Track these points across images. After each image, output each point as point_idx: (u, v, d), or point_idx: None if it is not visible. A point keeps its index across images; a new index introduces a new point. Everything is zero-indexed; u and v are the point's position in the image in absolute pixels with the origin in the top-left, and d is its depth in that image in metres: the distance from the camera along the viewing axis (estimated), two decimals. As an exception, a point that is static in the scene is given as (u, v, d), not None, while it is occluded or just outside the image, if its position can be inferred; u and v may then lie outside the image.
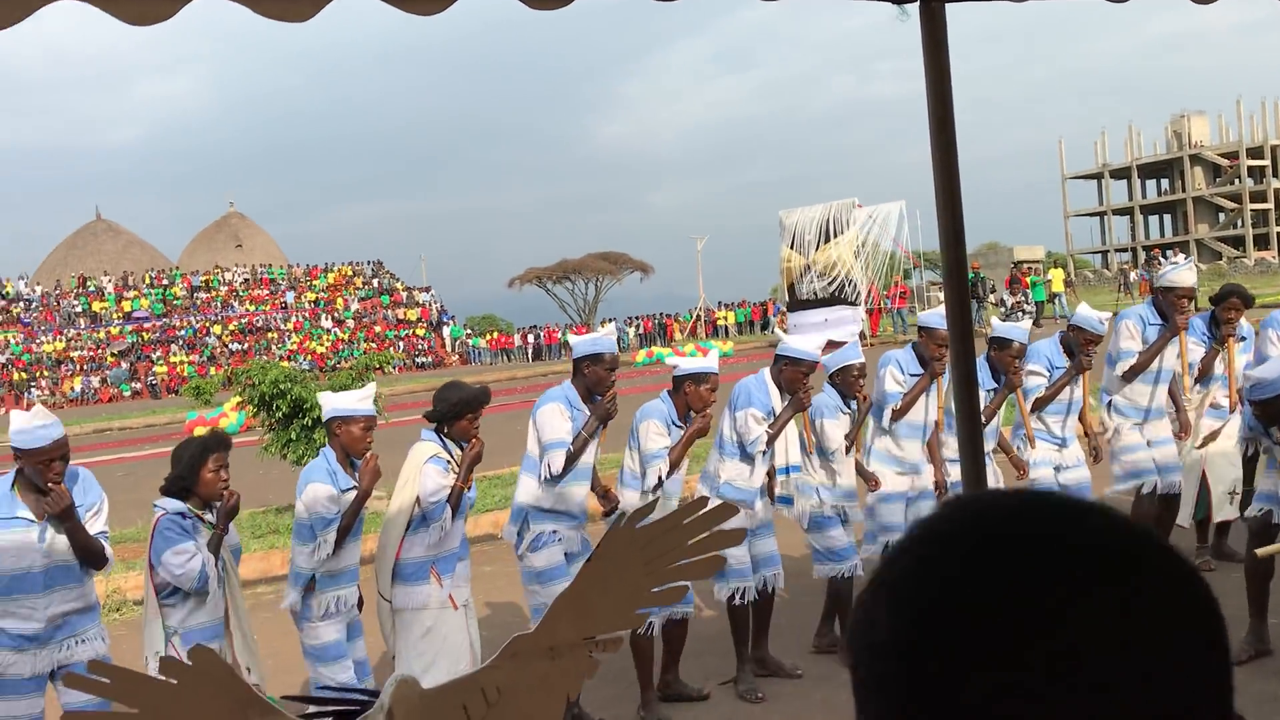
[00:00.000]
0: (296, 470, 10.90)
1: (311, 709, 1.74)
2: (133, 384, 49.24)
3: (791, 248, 32.80)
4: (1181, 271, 6.58)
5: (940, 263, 2.55)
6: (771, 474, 5.71)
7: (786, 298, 34.62)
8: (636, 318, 54.87)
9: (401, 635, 4.96)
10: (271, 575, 8.53)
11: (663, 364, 31.57)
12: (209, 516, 4.55)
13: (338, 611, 4.81)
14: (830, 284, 31.56)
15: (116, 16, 1.79)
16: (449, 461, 5.00)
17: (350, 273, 64.14)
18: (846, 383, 5.93)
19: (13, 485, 4.26)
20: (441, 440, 5.07)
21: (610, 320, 54.40)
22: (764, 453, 5.54)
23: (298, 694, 4.40)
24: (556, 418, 5.15)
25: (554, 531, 5.14)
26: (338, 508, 4.74)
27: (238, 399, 22.85)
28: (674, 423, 5.37)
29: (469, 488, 5.08)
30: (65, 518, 4.20)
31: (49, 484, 4.17)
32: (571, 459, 5.09)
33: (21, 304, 57.32)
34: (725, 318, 51.21)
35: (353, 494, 4.81)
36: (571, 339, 5.50)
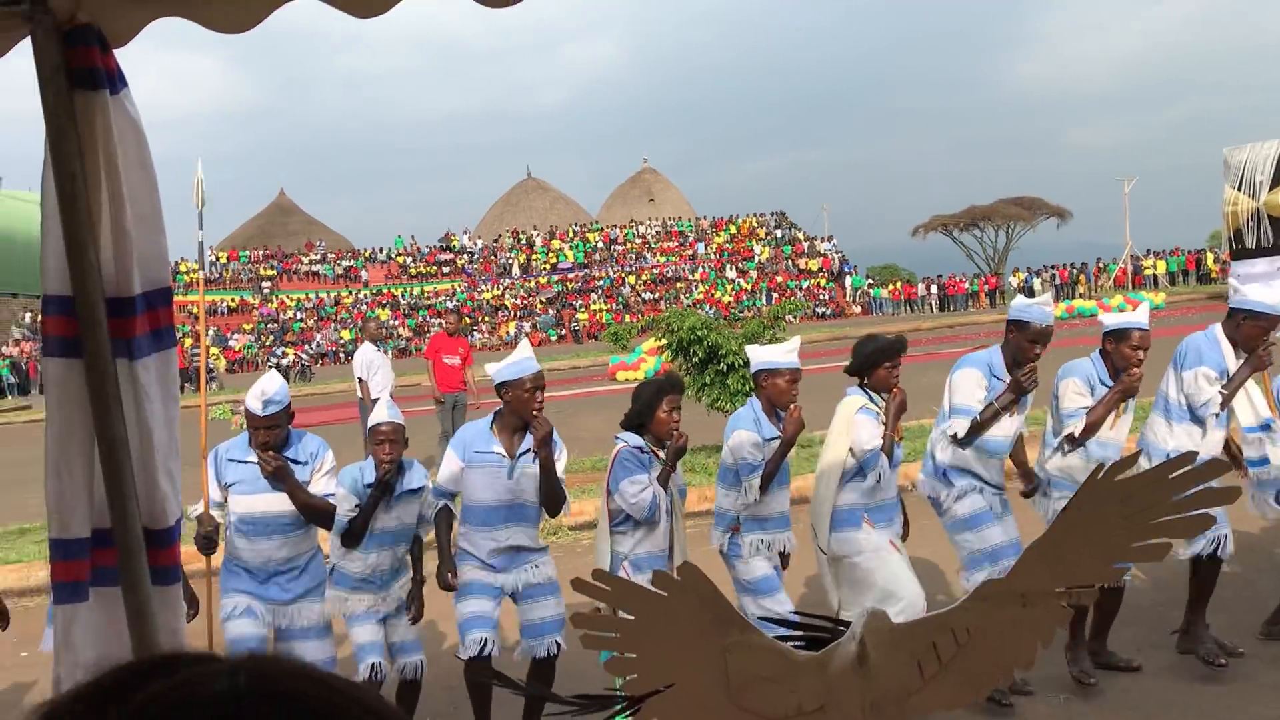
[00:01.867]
0: (712, 413, 11.41)
1: (784, 631, 1.84)
2: (558, 329, 53.48)
3: (1237, 189, 29.40)
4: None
5: None
6: (1231, 438, 5.23)
7: (1230, 245, 31.18)
8: (1050, 267, 51.67)
9: (843, 584, 5.03)
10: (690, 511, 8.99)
11: (1084, 319, 29.64)
12: (662, 453, 4.81)
13: (765, 551, 5.00)
14: (1282, 229, 27.98)
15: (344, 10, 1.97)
16: (878, 412, 4.99)
17: (755, 224, 65.48)
18: None
19: (491, 424, 4.77)
20: (865, 392, 5.06)
21: (1029, 273, 51.66)
22: (1217, 415, 5.08)
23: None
24: (970, 383, 5.02)
25: (978, 488, 5.05)
26: (762, 455, 4.92)
27: (654, 343, 24.22)
28: (1101, 381, 5.03)
29: (899, 438, 5.05)
30: (544, 444, 4.61)
31: (534, 413, 4.62)
32: (978, 428, 4.94)
33: (465, 256, 63.82)
34: (1155, 267, 47.00)
35: (776, 443, 4.95)
36: (1014, 304, 5.18)
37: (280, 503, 4.63)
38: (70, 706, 0.58)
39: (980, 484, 5.08)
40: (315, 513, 4.69)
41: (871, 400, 5.02)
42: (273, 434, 4.64)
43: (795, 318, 48.27)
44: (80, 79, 2.01)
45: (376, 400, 5.73)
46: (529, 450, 4.71)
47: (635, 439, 4.79)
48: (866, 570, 4.90)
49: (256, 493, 4.61)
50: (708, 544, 5.28)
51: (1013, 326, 5.02)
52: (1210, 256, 40.74)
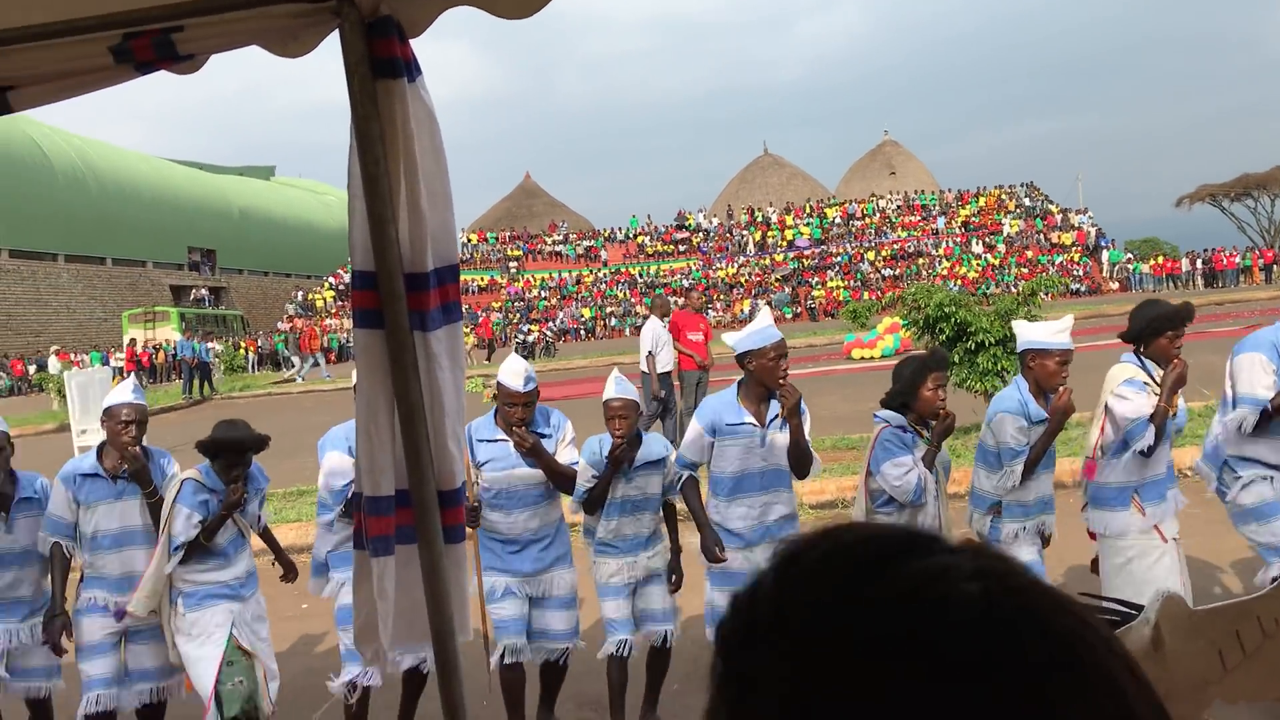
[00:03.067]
0: (958, 392, 11.06)
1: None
2: (794, 307, 53.14)
3: None
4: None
5: None
6: None
7: None
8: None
9: (1103, 563, 4.79)
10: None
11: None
12: (926, 433, 4.70)
13: (1027, 537, 4.80)
14: None
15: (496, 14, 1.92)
16: (1146, 383, 4.67)
17: (1002, 196, 62.82)
18: None
19: (736, 395, 4.80)
20: (1140, 361, 4.75)
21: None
22: None
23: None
24: (1255, 368, 4.63)
25: (1266, 477, 4.68)
26: (1027, 439, 4.69)
27: (891, 321, 23.79)
28: None
29: (1173, 412, 4.71)
30: (794, 414, 4.60)
31: (780, 381, 4.62)
32: (1269, 416, 4.56)
33: (701, 234, 64.37)
34: None
35: (1042, 426, 4.72)
36: None
37: (532, 475, 4.82)
38: (823, 566, 0.60)
39: (1271, 471, 4.70)
40: (564, 480, 4.87)
41: (1145, 370, 4.69)
42: (529, 410, 4.84)
43: (1049, 294, 45.74)
44: (381, 68, 2.16)
45: (664, 374, 5.88)
46: (777, 416, 4.71)
47: (897, 418, 4.69)
48: (1125, 558, 4.65)
49: (510, 468, 4.81)
50: (964, 525, 5.12)
51: None
52: None
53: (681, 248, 63.19)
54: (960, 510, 5.18)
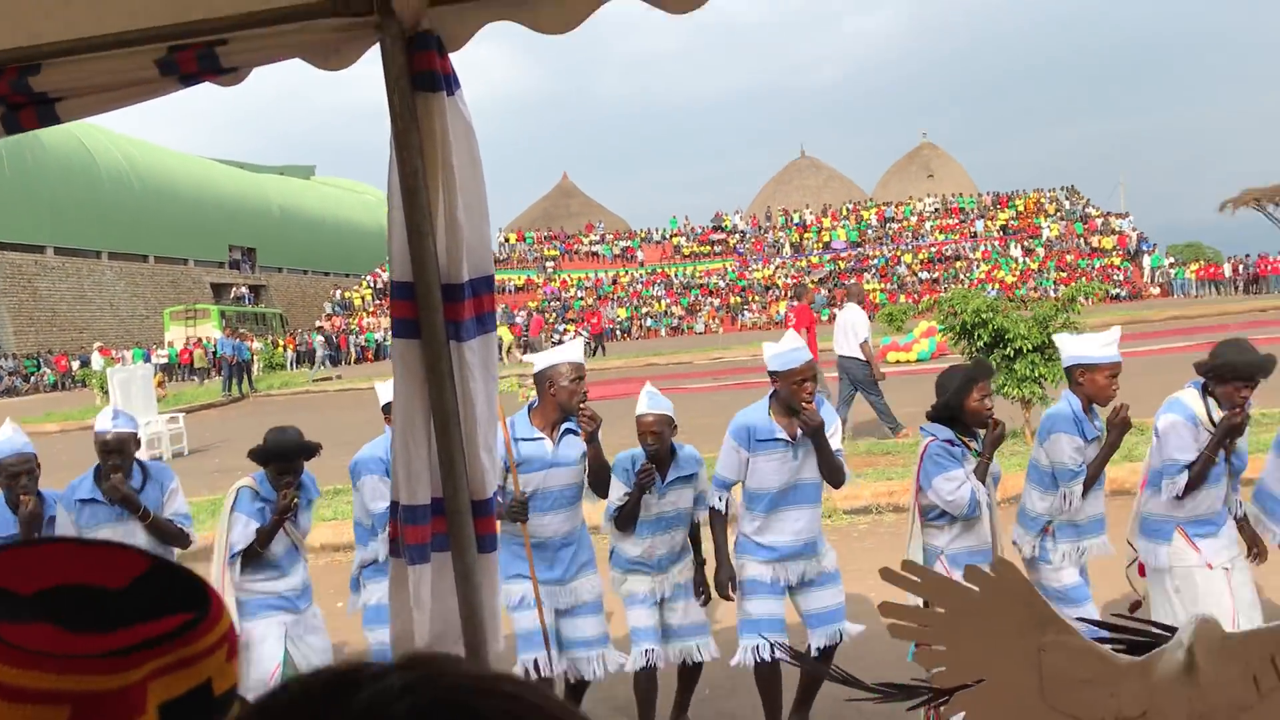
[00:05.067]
0: (995, 398, 10.97)
1: (1105, 634, 1.77)
2: (831, 309, 52.89)
3: None
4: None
5: None
6: None
7: None
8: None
9: (1153, 594, 4.68)
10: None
11: None
12: (974, 444, 4.62)
13: (1078, 560, 4.73)
14: None
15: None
16: (1200, 421, 4.52)
17: (1041, 199, 62.20)
18: None
19: (768, 410, 4.75)
20: (1204, 397, 4.57)
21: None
22: None
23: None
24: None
25: None
26: (1083, 459, 4.62)
27: (928, 324, 23.62)
28: None
29: (1222, 455, 4.56)
30: (818, 435, 4.59)
31: (802, 403, 4.57)
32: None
33: (737, 235, 64.23)
34: None
35: (1097, 444, 4.65)
36: None
37: (568, 476, 4.76)
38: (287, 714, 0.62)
39: None
40: (606, 475, 4.81)
41: (1206, 406, 4.53)
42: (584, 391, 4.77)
43: (1089, 299, 45.40)
44: (421, 82, 2.19)
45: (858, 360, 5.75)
46: None
47: (945, 431, 4.60)
48: (1173, 587, 4.54)
49: (547, 468, 4.72)
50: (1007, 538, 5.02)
51: None
52: None
53: (717, 249, 63.06)
54: (1009, 516, 5.08)
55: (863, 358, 12.37)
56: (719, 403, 12.96)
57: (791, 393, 4.61)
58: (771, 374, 4.71)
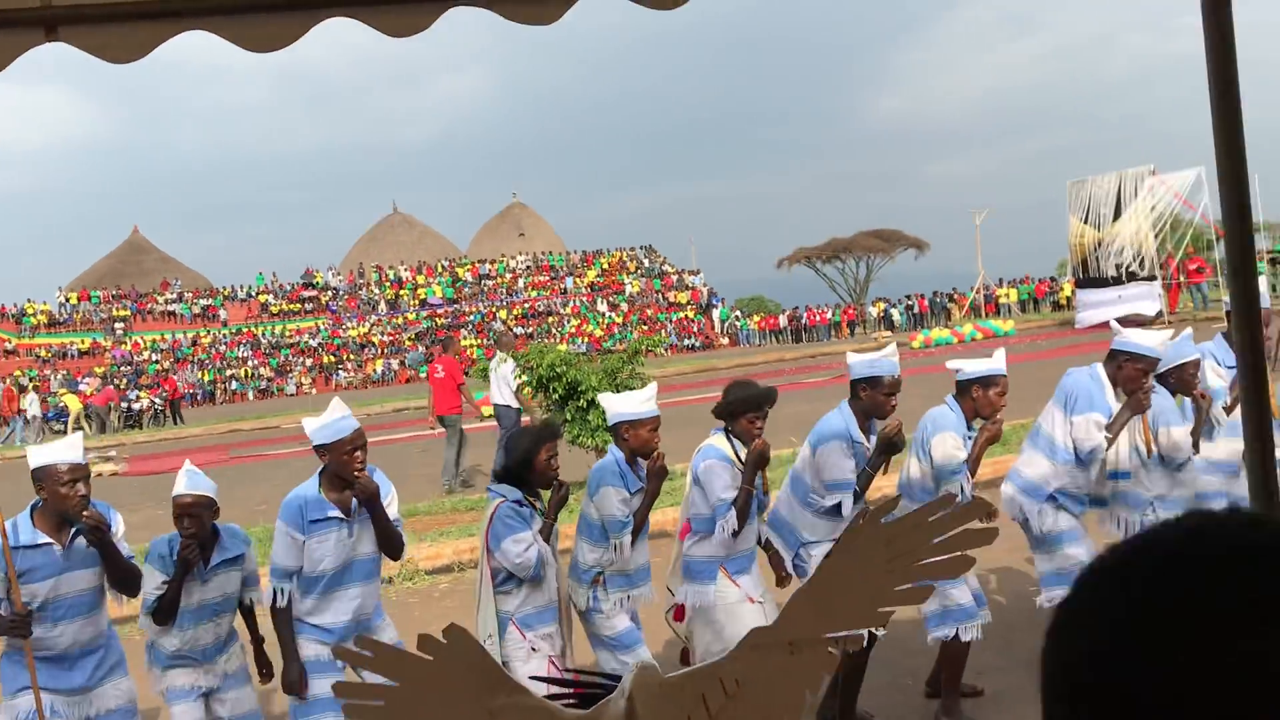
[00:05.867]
0: (573, 450, 11.35)
1: (555, 690, 1.79)
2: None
3: (1085, 221, 30.90)
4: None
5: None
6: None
7: (1075, 274, 32.70)
8: (909, 296, 53.29)
9: (697, 634, 4.89)
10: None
11: (938, 347, 30.56)
12: (539, 504, 4.65)
13: (629, 606, 4.88)
14: (1125, 259, 29.51)
15: (379, 30, 1.90)
16: (734, 460, 4.83)
17: (624, 257, 65.91)
18: (1183, 380, 5.42)
19: (319, 488, 4.47)
20: (729, 438, 4.90)
21: (888, 304, 53.21)
22: (1101, 459, 5.20)
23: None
24: (836, 455, 4.90)
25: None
26: (629, 509, 4.77)
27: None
28: (966, 434, 4.97)
29: (766, 489, 4.94)
30: (373, 504, 4.41)
31: (354, 474, 4.37)
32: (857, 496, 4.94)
33: (329, 292, 62.51)
34: (1007, 295, 48.93)
35: (641, 495, 4.83)
36: (850, 358, 5.10)
37: (83, 581, 4.28)
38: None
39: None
40: (128, 579, 4.40)
41: (733, 446, 4.87)
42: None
43: (664, 350, 48.89)
44: None
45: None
46: (359, 506, 4.49)
47: (514, 492, 4.59)
48: (719, 625, 4.79)
49: (57, 574, 4.22)
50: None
51: (864, 384, 4.94)
52: (1068, 286, 42.08)
53: (309, 306, 60.94)
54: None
55: (516, 405, 12.93)
56: (302, 471, 12.37)
57: (342, 464, 4.39)
58: (318, 448, 4.44)
